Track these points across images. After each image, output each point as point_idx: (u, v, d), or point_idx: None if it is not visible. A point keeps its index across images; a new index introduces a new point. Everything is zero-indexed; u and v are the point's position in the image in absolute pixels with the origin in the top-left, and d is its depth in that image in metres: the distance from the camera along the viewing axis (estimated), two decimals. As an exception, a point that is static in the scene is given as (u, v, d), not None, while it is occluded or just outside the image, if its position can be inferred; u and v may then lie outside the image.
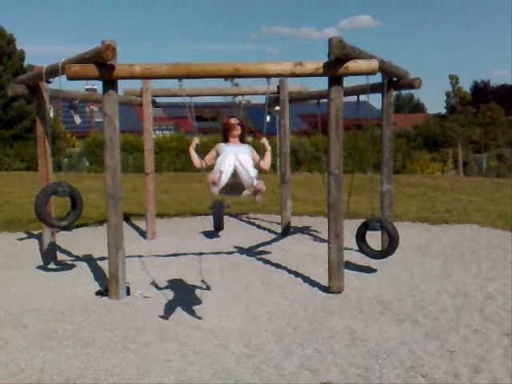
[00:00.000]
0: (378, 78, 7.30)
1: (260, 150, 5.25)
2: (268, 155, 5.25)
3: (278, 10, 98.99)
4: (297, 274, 6.93)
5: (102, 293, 6.15)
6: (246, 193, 5.01)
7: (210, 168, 5.03)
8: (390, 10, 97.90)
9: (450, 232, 9.63)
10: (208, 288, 6.33)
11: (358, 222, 7.15)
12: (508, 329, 4.93)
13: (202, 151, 5.29)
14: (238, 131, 5.24)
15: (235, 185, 4.93)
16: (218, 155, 5.06)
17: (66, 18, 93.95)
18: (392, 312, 5.47)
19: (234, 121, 5.27)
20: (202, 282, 6.61)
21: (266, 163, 5.28)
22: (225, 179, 4.74)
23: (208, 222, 9.76)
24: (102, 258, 7.33)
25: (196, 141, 5.28)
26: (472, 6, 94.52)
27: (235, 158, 4.78)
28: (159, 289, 6.35)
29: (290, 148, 9.95)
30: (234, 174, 4.81)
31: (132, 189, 14.00)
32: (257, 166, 5.13)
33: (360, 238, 6.85)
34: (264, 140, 5.18)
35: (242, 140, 5.31)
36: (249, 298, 6.03)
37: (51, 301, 5.91)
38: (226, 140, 5.30)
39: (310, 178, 19.14)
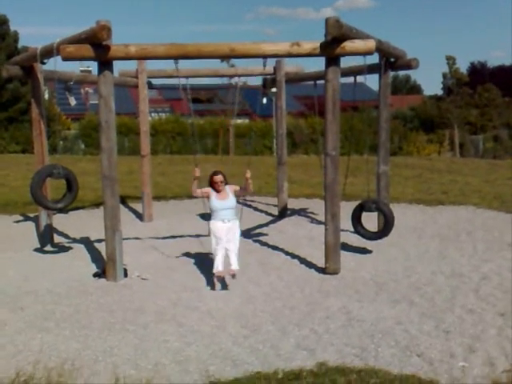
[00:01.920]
0: (375, 59, 7.26)
1: (243, 182, 6.18)
2: (250, 183, 6.18)
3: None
4: (293, 256, 6.95)
5: (99, 275, 6.17)
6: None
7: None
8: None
9: (445, 213, 9.66)
10: (205, 270, 6.35)
11: (355, 203, 7.17)
12: (503, 309, 4.97)
13: (200, 134, 5.68)
14: (221, 187, 6.04)
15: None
16: (209, 197, 6.08)
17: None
18: (388, 293, 5.51)
19: (218, 179, 6.05)
20: (200, 264, 6.63)
21: (249, 189, 6.24)
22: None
23: (205, 205, 9.73)
24: (99, 241, 7.33)
25: (197, 173, 6.12)
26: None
27: (224, 253, 5.89)
28: (157, 270, 6.37)
29: (286, 130, 9.93)
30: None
31: (128, 171, 13.97)
32: (240, 193, 6.33)
33: (356, 219, 6.87)
34: (247, 174, 6.11)
35: (226, 183, 6.15)
36: (246, 279, 6.05)
37: (48, 283, 5.93)
38: (213, 188, 6.10)
39: (306, 161, 19.12)
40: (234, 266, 5.77)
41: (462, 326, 4.60)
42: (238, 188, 6.22)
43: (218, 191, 6.04)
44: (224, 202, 6.02)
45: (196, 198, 6.50)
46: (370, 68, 7.22)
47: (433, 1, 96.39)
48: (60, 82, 8.06)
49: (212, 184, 6.06)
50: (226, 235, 5.92)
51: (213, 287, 5.77)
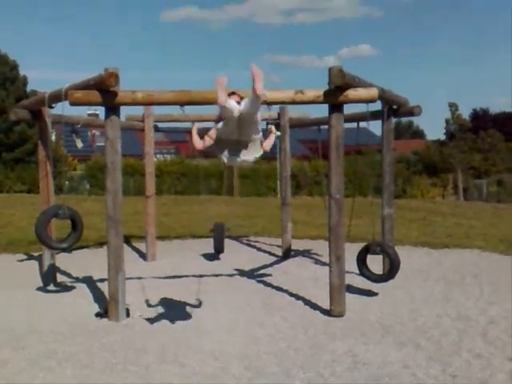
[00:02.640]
0: (377, 105, 7.38)
1: (266, 133, 5.41)
2: (272, 136, 5.40)
3: (279, 39, 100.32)
4: (298, 297, 6.90)
5: (101, 314, 6.12)
6: (244, 156, 5.12)
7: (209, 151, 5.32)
8: (389, 39, 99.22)
9: (451, 256, 9.60)
10: (208, 310, 6.29)
11: (359, 245, 7.14)
12: (511, 353, 4.89)
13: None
14: (237, 99, 5.09)
15: (237, 142, 5.03)
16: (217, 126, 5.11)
17: (69, 43, 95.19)
18: (394, 335, 5.44)
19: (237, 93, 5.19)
20: (203, 304, 6.58)
21: (268, 143, 5.35)
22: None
23: (209, 245, 9.74)
24: (102, 280, 7.30)
25: (196, 125, 5.47)
26: (470, 35, 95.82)
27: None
28: (159, 311, 6.32)
29: (290, 172, 10.00)
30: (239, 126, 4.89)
31: (133, 212, 13.99)
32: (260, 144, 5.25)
33: (361, 261, 6.83)
34: (272, 127, 5.43)
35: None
36: (249, 320, 5.99)
37: (51, 322, 5.88)
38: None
39: (310, 202, 19.14)
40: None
41: (469, 371, 4.52)
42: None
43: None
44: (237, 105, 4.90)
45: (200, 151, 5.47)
46: (372, 114, 7.35)
47: (434, 49, 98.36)
48: (67, 125, 8.21)
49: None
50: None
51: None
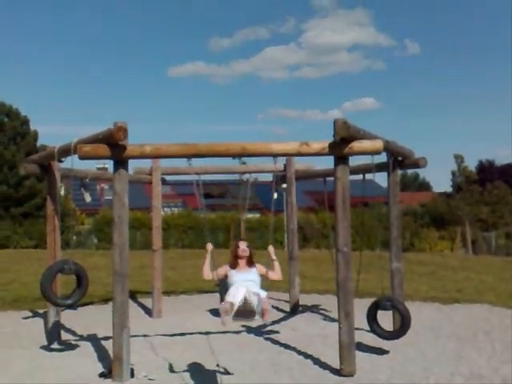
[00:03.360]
0: (383, 157, 7.43)
1: (268, 260, 5.66)
2: (276, 265, 5.65)
3: (284, 93, 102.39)
4: (306, 355, 6.74)
5: (105, 374, 5.99)
6: (257, 317, 5.05)
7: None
8: (393, 93, 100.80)
9: (461, 312, 9.42)
10: (215, 369, 6.15)
11: (368, 300, 7.03)
12: (527, 415, 4.71)
13: (211, 228, 5.70)
14: (246, 253, 5.52)
15: (246, 311, 5.01)
16: (226, 276, 5.42)
17: (79, 98, 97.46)
18: (405, 396, 5.27)
19: (242, 244, 5.59)
20: (210, 363, 6.43)
21: (277, 273, 5.67)
22: (235, 308, 4.85)
23: (215, 300, 9.59)
24: (107, 338, 7.18)
25: (210, 247, 5.61)
26: (473, 87, 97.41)
27: (246, 291, 4.94)
28: (164, 370, 6.17)
29: (297, 225, 9.98)
30: (245, 303, 4.93)
31: (139, 265, 13.93)
32: (266, 277, 5.57)
33: (371, 317, 6.71)
34: (270, 248, 5.70)
35: (251, 263, 5.55)
36: (257, 379, 5.84)
37: (53, 381, 5.76)
38: (234, 262, 5.53)
39: (317, 255, 19.00)
40: (262, 294, 4.88)
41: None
42: (264, 269, 5.55)
43: (238, 259, 5.42)
44: (245, 274, 5.28)
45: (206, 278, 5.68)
46: (378, 166, 7.37)
47: (439, 101, 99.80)
48: (76, 179, 8.28)
49: (235, 251, 5.47)
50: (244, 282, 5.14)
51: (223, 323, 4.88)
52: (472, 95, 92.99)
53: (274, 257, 5.65)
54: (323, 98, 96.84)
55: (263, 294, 4.91)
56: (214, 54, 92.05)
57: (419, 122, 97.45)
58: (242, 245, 5.57)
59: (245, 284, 5.07)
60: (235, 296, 4.85)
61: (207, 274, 5.55)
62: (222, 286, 8.98)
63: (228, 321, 4.84)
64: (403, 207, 25.20)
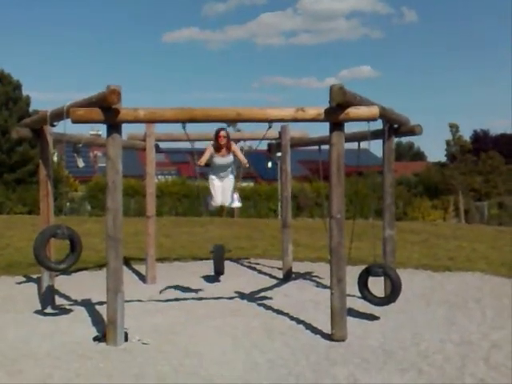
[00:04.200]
0: (378, 125, 7.39)
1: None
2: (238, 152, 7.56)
3: (280, 60, 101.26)
4: (299, 321, 6.81)
5: (99, 338, 6.03)
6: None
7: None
8: (389, 61, 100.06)
9: (453, 279, 9.52)
10: (208, 335, 6.21)
11: (361, 268, 7.08)
12: (515, 379, 4.80)
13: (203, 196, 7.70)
14: (224, 141, 7.30)
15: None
16: (211, 158, 7.37)
17: (72, 65, 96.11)
18: (396, 361, 5.35)
19: (223, 133, 7.33)
20: (203, 328, 6.49)
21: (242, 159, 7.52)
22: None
23: (209, 267, 9.67)
24: (101, 303, 7.23)
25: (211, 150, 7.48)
26: (469, 56, 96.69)
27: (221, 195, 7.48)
28: (158, 335, 6.23)
29: (291, 194, 9.97)
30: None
31: (133, 232, 13.95)
32: (236, 154, 7.49)
33: (362, 284, 6.77)
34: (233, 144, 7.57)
35: (228, 149, 7.40)
36: (250, 344, 5.90)
37: (48, 346, 5.80)
38: (217, 146, 7.37)
39: (311, 224, 19.09)
40: (236, 203, 7.52)
41: (473, 397, 4.44)
42: (239, 152, 7.52)
43: (219, 145, 7.23)
44: (223, 159, 7.31)
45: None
46: (373, 134, 7.34)
47: (435, 70, 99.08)
48: (69, 144, 8.20)
49: (216, 138, 7.22)
50: (221, 191, 7.38)
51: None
52: (468, 64, 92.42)
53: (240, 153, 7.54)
54: (320, 65, 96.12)
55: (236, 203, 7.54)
56: (208, 20, 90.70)
57: (415, 91, 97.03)
58: (222, 134, 7.24)
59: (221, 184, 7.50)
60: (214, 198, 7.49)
61: (202, 161, 7.33)
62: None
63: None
64: (397, 176, 25.22)
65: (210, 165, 7.42)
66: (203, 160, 7.30)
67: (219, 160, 7.35)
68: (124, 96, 5.70)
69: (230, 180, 7.50)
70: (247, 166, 7.46)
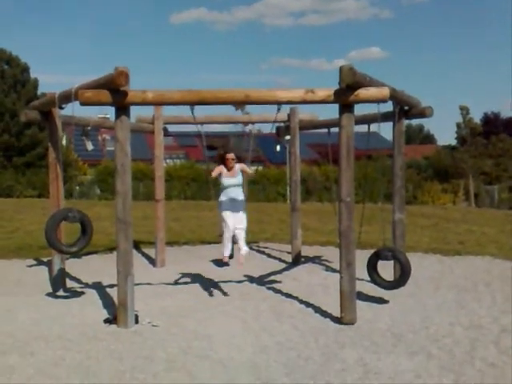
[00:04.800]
0: (389, 107, 7.31)
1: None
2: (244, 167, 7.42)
3: (288, 41, 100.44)
4: (308, 304, 6.82)
5: (110, 321, 6.08)
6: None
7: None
8: (399, 42, 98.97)
9: (462, 263, 9.49)
10: (217, 318, 6.23)
11: (370, 252, 7.05)
12: (525, 363, 4.78)
13: (214, 180, 7.53)
14: (232, 164, 7.25)
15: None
16: (220, 178, 7.30)
17: (80, 47, 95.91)
18: (405, 344, 5.35)
19: (230, 156, 7.24)
20: (212, 311, 6.52)
21: (251, 170, 7.61)
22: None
23: (218, 251, 9.68)
24: (112, 286, 7.27)
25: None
26: (481, 37, 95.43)
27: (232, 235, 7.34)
28: (168, 317, 6.26)
29: (300, 177, 9.93)
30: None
31: (142, 216, 14.00)
32: (245, 172, 7.44)
33: (371, 267, 6.75)
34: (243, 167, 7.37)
35: (236, 168, 7.33)
36: (259, 327, 5.92)
37: (59, 328, 5.85)
38: (225, 165, 7.32)
39: (320, 208, 19.06)
40: (243, 250, 7.22)
41: (482, 380, 4.43)
42: (245, 167, 7.36)
43: (228, 169, 7.17)
44: (232, 179, 7.21)
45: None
46: (383, 116, 7.24)
47: (445, 52, 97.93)
48: (78, 126, 8.19)
49: (224, 161, 7.18)
50: (233, 219, 7.16)
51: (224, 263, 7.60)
52: (480, 45, 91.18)
53: (247, 169, 7.41)
54: (328, 46, 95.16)
55: (245, 249, 7.34)
56: (215, 0, 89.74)
57: (425, 73, 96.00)
58: (230, 156, 7.21)
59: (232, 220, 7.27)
60: (226, 250, 7.40)
61: (215, 173, 7.26)
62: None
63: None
64: (407, 160, 25.05)
65: (220, 185, 7.35)
66: (214, 173, 7.28)
67: (228, 180, 7.26)
68: (132, 79, 5.67)
69: (241, 213, 7.34)
70: (254, 175, 7.81)
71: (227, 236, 7.25)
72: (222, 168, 7.26)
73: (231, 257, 9.16)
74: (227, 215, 7.21)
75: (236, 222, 7.22)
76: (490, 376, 4.51)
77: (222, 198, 7.30)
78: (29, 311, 6.57)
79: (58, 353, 5.10)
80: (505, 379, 4.44)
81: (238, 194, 7.30)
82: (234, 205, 7.26)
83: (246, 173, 7.42)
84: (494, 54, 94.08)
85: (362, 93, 5.80)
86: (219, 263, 9.55)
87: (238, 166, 7.29)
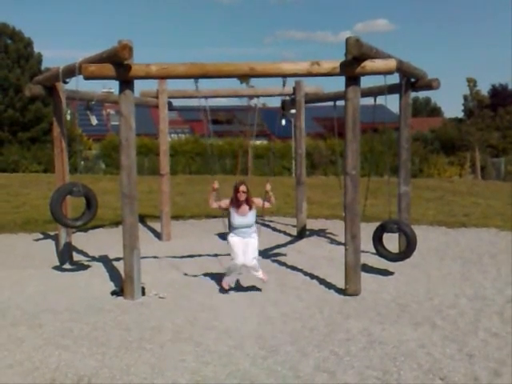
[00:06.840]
0: (395, 80, 7.23)
1: (264, 195, 6.30)
2: (271, 195, 6.27)
3: (292, 14, 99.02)
4: (312, 276, 6.86)
5: (117, 293, 6.15)
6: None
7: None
8: (406, 14, 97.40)
9: (468, 236, 9.50)
10: (223, 289, 6.29)
11: (375, 225, 7.07)
12: (529, 333, 4.82)
13: (219, 155, 6.31)
14: (243, 197, 6.10)
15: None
16: (228, 210, 6.26)
17: (83, 21, 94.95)
18: (410, 315, 5.39)
19: (242, 188, 6.13)
20: (217, 283, 6.58)
21: (271, 201, 6.32)
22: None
23: (223, 224, 9.71)
24: (118, 259, 7.33)
25: (216, 185, 6.21)
26: (487, 10, 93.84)
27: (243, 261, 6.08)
28: (174, 289, 6.32)
29: (305, 151, 9.89)
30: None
31: (147, 190, 14.04)
32: (262, 208, 6.36)
33: (377, 240, 6.76)
34: (267, 186, 6.24)
35: (249, 205, 6.17)
36: (264, 299, 5.98)
37: (67, 300, 5.92)
38: (235, 201, 6.17)
39: (325, 182, 19.03)
40: (260, 274, 6.20)
41: (486, 350, 4.47)
42: (260, 201, 6.32)
43: (238, 201, 6.11)
44: (243, 218, 6.17)
45: (215, 209, 6.59)
46: (390, 88, 7.18)
47: (452, 24, 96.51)
48: (82, 101, 8.16)
49: (235, 192, 6.12)
50: (242, 249, 6.10)
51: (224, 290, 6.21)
52: (488, 17, 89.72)
53: (270, 193, 6.27)
54: (334, 18, 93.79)
55: (261, 272, 6.22)
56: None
57: (432, 45, 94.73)
58: (241, 189, 6.11)
59: (242, 246, 6.12)
60: (229, 280, 6.23)
61: (212, 203, 6.31)
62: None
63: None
64: (413, 133, 24.88)
65: (229, 223, 6.28)
66: (214, 205, 6.30)
67: (239, 220, 6.13)
68: (135, 53, 5.63)
69: (252, 240, 6.18)
70: (274, 202, 6.36)
71: (234, 268, 6.14)
72: (227, 203, 6.20)
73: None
74: (235, 243, 6.14)
75: (247, 254, 6.07)
76: (494, 346, 4.55)
77: (232, 234, 6.22)
78: (36, 284, 6.65)
79: (65, 324, 5.18)
80: (508, 349, 4.47)
81: (250, 233, 6.18)
82: (245, 239, 6.17)
83: (260, 204, 6.29)
84: (502, 26, 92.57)
85: (369, 65, 5.73)
86: (224, 237, 9.58)
87: (246, 205, 6.14)
